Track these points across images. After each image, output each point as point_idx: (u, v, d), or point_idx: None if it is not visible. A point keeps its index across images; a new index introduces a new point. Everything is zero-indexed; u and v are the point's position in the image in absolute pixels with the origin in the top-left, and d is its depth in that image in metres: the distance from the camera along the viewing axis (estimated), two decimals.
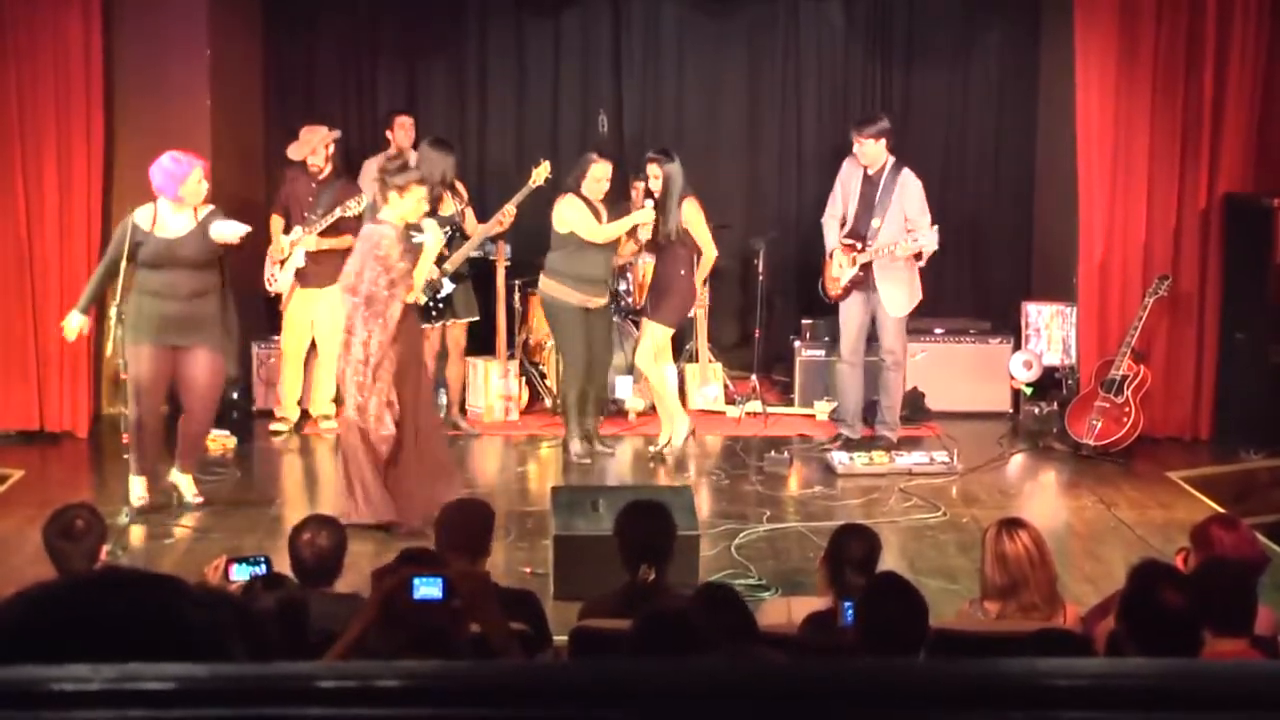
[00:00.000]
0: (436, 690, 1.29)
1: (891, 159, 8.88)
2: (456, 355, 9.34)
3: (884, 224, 8.81)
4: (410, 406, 7.36)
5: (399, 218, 7.41)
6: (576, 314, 8.69)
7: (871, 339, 9.16)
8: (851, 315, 9.07)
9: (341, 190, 9.22)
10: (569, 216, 8.58)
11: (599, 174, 8.61)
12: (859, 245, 8.87)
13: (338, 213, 9.02)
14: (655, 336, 8.83)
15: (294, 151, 9.32)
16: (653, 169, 8.68)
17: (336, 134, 9.44)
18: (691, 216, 8.72)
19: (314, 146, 9.25)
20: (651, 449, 9.01)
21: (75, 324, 7.70)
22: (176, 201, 7.57)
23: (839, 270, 8.98)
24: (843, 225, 9.01)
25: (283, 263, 9.20)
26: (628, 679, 1.31)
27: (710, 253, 8.92)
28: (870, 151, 8.83)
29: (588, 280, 8.64)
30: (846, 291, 8.98)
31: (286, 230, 9.22)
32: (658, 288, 8.90)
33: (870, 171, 8.89)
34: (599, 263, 8.70)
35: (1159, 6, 9.14)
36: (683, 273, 8.77)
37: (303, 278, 9.19)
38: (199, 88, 9.48)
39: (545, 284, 8.74)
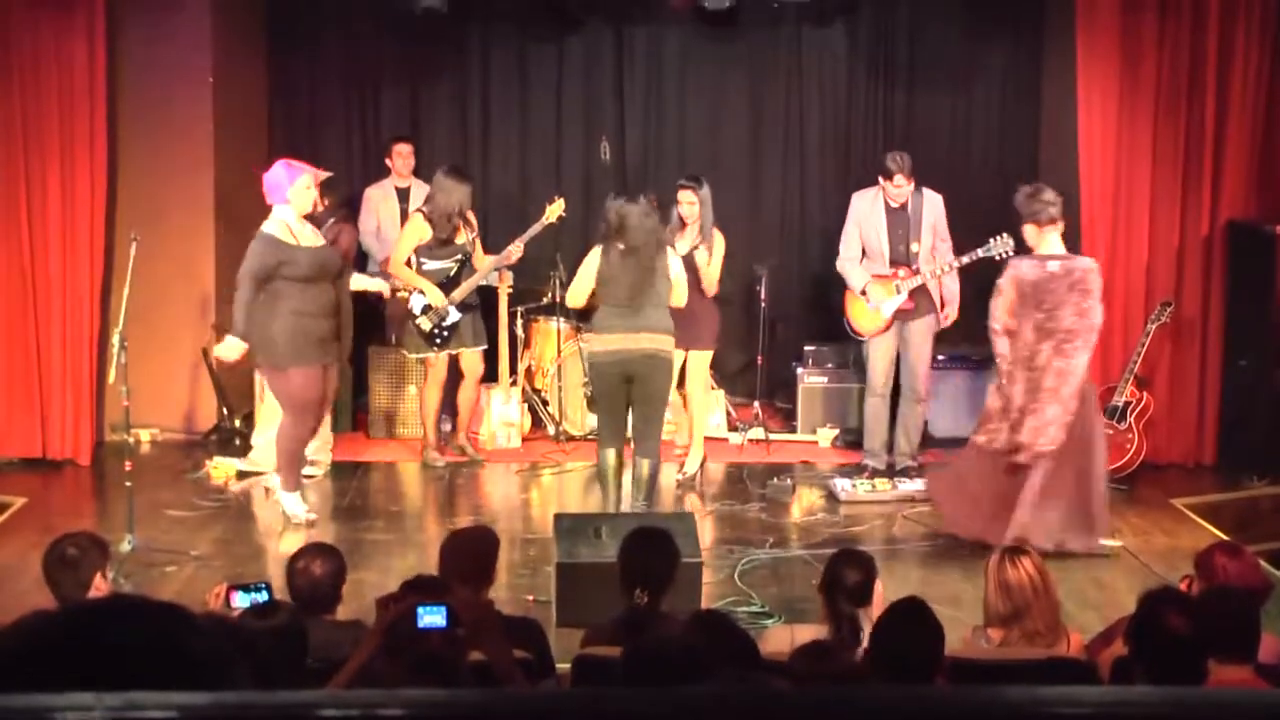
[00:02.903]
0: (439, 719, 1.29)
1: (911, 185, 8.97)
2: (473, 382, 9.29)
3: (922, 245, 8.89)
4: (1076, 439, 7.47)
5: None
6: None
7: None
8: (885, 349, 9.05)
9: (330, 232, 8.72)
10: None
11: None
12: (902, 273, 8.88)
13: None
14: (704, 364, 9.05)
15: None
16: (686, 195, 8.79)
17: (324, 175, 8.50)
18: (716, 247, 8.86)
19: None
20: (680, 476, 9.05)
21: (237, 348, 7.75)
22: (284, 203, 7.68)
23: (880, 300, 8.95)
24: (863, 258, 9.04)
25: None
26: (630, 707, 1.31)
27: (711, 290, 8.89)
28: (907, 190, 8.90)
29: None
30: (889, 325, 8.97)
31: None
32: (689, 318, 8.44)
33: (895, 203, 8.94)
34: None
35: (1161, 33, 9.17)
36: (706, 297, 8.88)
37: None
38: (202, 112, 9.51)
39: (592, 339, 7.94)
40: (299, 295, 7.68)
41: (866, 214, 9.02)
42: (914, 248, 8.89)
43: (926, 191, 8.98)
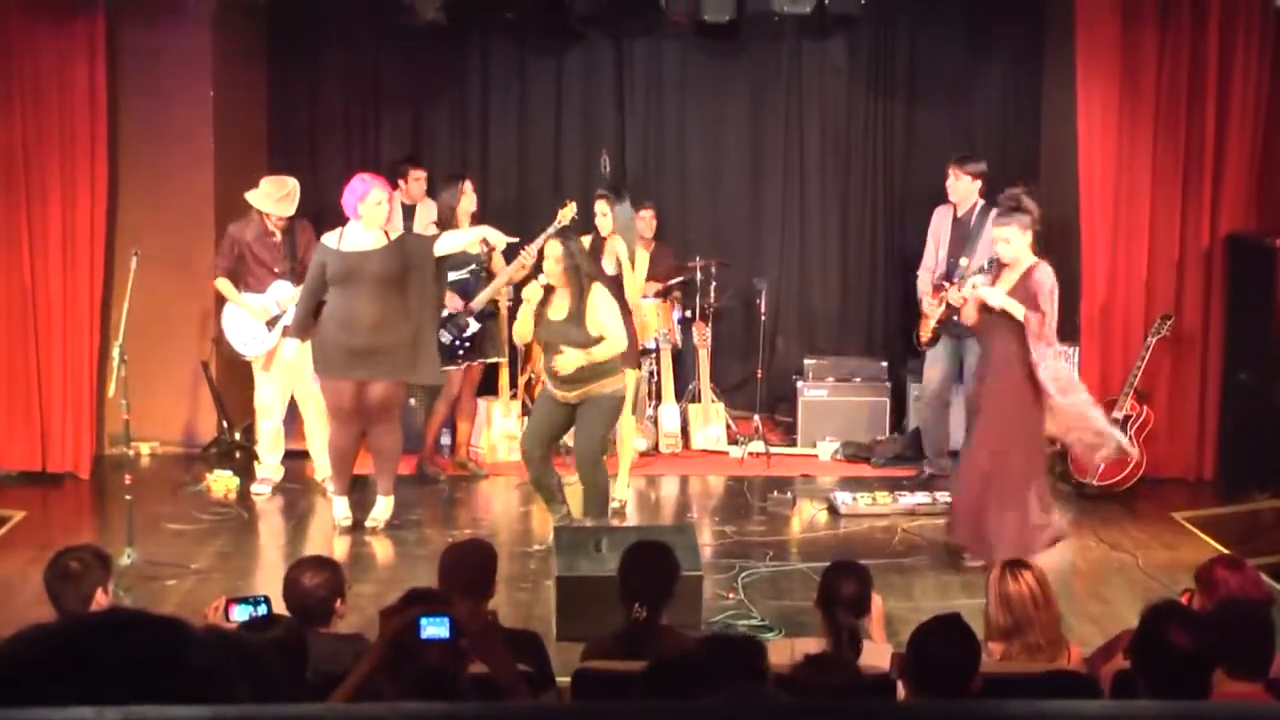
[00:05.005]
0: None
1: (982, 201, 8.93)
2: (469, 394, 9.30)
3: (973, 262, 8.73)
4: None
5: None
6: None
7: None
8: (933, 359, 9.11)
9: (303, 233, 8.72)
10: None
11: None
12: (946, 285, 8.90)
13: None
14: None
15: (285, 206, 8.61)
16: (602, 206, 8.50)
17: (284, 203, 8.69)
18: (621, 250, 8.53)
19: (294, 198, 8.64)
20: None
21: (293, 348, 8.23)
22: (357, 219, 7.87)
23: (932, 312, 8.98)
24: (934, 271, 9.09)
25: (270, 323, 8.66)
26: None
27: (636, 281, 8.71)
28: (961, 187, 8.93)
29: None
30: (935, 335, 9.00)
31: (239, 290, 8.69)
32: None
33: (960, 213, 8.98)
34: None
35: (1161, 46, 9.17)
36: (629, 314, 8.68)
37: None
38: (202, 130, 9.52)
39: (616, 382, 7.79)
40: (334, 301, 7.88)
41: (938, 223, 9.12)
42: (961, 262, 8.82)
43: (995, 213, 8.88)
